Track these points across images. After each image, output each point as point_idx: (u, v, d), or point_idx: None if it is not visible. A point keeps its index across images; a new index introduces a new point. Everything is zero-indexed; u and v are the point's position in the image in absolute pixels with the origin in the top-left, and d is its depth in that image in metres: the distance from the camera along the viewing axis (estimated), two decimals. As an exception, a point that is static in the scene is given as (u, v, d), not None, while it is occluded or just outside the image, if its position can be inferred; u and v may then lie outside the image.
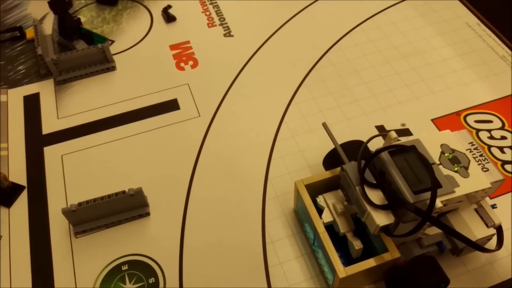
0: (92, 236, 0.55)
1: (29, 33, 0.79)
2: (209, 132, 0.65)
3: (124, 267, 0.53)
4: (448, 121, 0.65)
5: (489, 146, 0.62)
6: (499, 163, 0.60)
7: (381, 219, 0.44)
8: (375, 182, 0.46)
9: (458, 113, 0.66)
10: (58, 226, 0.56)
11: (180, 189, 0.59)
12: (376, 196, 0.45)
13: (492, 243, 0.50)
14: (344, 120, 0.66)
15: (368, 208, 0.44)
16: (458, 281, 0.50)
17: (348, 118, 0.66)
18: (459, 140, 0.49)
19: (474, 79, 0.70)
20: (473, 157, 0.47)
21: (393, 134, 0.48)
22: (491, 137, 0.63)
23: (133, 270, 0.53)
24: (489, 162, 0.48)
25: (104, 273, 0.53)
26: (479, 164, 0.47)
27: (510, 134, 0.63)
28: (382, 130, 0.64)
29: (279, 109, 0.67)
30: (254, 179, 0.60)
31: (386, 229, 0.45)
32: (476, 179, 0.45)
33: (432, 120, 0.65)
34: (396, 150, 0.46)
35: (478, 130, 0.64)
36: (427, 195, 0.42)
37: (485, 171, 0.47)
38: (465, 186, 0.45)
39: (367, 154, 0.48)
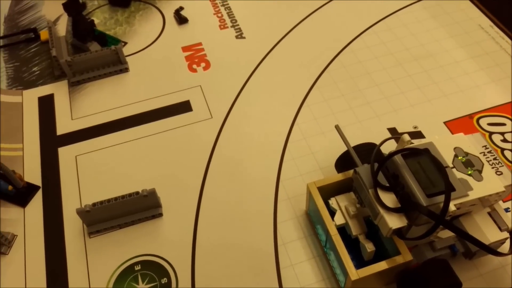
0: (106, 236, 0.56)
1: (44, 34, 0.80)
2: (221, 133, 0.65)
3: (137, 267, 0.53)
4: (460, 124, 0.64)
5: (502, 149, 0.62)
6: (512, 166, 0.60)
7: (394, 222, 0.44)
8: (388, 185, 0.46)
9: (470, 116, 0.66)
10: (72, 226, 0.57)
11: (192, 190, 0.60)
12: (389, 199, 0.45)
13: (506, 247, 0.50)
14: (356, 122, 0.66)
15: (381, 211, 0.44)
16: (470, 284, 0.50)
17: (360, 120, 0.66)
18: (472, 143, 0.49)
19: (487, 81, 0.70)
20: (486, 160, 0.47)
21: (406, 137, 0.48)
22: (504, 140, 0.63)
23: (145, 270, 0.53)
24: (503, 166, 0.47)
25: (117, 273, 0.53)
26: (493, 168, 0.47)
27: (523, 137, 0.63)
28: (394, 133, 0.64)
29: (291, 111, 0.68)
30: (266, 181, 0.60)
31: (398, 232, 0.45)
32: (489, 183, 0.45)
33: (444, 122, 0.65)
34: (409, 153, 0.46)
35: (491, 133, 0.64)
36: (441, 198, 0.42)
37: (499, 174, 0.47)
38: (478, 189, 0.45)
39: (380, 157, 0.48)
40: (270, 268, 0.53)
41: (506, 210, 0.49)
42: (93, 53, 0.71)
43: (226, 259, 0.54)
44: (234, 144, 0.64)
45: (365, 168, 0.48)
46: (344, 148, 0.55)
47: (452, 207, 0.42)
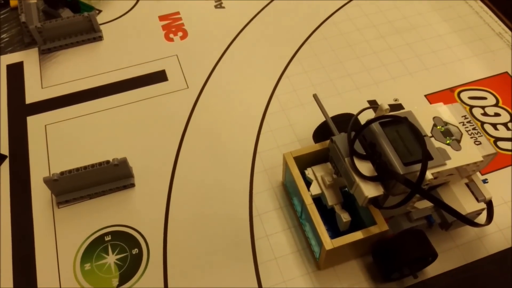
0: (75, 207, 0.54)
1: (13, 0, 0.76)
2: (197, 104, 0.63)
3: (107, 238, 0.52)
4: (441, 97, 0.63)
5: (483, 123, 0.61)
6: (492, 139, 0.59)
7: (370, 190, 0.43)
8: (365, 153, 0.44)
9: (452, 89, 0.65)
10: (40, 196, 0.55)
11: (166, 161, 0.58)
12: (365, 167, 0.44)
13: (482, 218, 0.49)
14: (336, 94, 0.64)
15: (357, 179, 0.43)
16: (446, 256, 0.50)
17: (340, 92, 0.65)
18: (452, 113, 0.48)
19: (469, 55, 0.69)
20: (465, 130, 0.46)
21: (385, 106, 0.47)
22: (485, 114, 0.62)
23: (116, 241, 0.52)
24: (481, 136, 0.46)
25: (86, 243, 0.51)
26: (471, 138, 0.46)
27: (504, 111, 0.62)
28: (374, 105, 0.63)
29: (270, 82, 0.66)
30: (243, 152, 0.59)
31: (375, 201, 0.44)
32: (468, 152, 0.44)
33: (425, 95, 0.64)
34: (388, 122, 0.45)
35: (472, 107, 0.63)
36: (418, 167, 0.41)
37: (477, 144, 0.46)
38: (456, 159, 0.44)
39: (358, 126, 0.47)
40: (244, 239, 0.51)
41: (484, 181, 0.48)
42: (64, 20, 0.68)
43: (200, 230, 0.52)
44: (211, 115, 0.62)
45: (342, 136, 0.46)
46: (322, 120, 0.54)
47: (429, 175, 0.41)
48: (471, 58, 0.69)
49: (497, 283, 0.48)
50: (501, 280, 0.48)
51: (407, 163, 0.42)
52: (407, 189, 0.41)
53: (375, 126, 0.44)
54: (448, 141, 0.45)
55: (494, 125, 0.61)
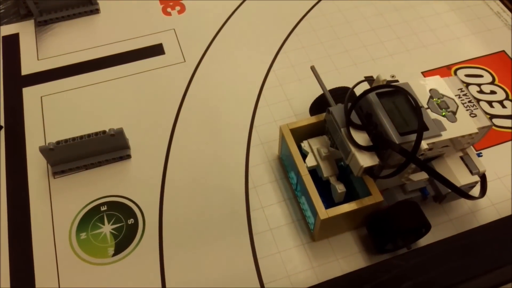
0: (71, 177, 0.54)
1: (9, -28, 0.75)
2: (194, 78, 0.63)
3: (103, 208, 0.52)
4: (438, 74, 0.63)
5: (479, 100, 0.61)
6: (488, 117, 0.59)
7: (365, 160, 0.43)
8: (361, 124, 0.45)
9: (449, 67, 0.65)
10: (36, 166, 0.55)
11: (162, 133, 0.58)
12: (361, 138, 0.44)
13: (476, 192, 0.50)
14: (334, 70, 0.64)
15: (353, 149, 0.43)
16: (439, 229, 0.50)
17: (337, 68, 0.64)
18: (448, 86, 0.48)
19: (467, 34, 0.69)
20: (461, 102, 0.47)
21: (382, 77, 0.47)
22: (481, 91, 0.62)
23: (112, 211, 0.52)
24: (477, 108, 0.47)
25: (82, 213, 0.52)
26: (467, 110, 0.46)
27: (499, 89, 0.62)
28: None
29: (268, 57, 0.66)
30: (239, 126, 0.59)
31: (370, 171, 0.44)
32: (463, 124, 0.45)
33: (422, 72, 0.64)
34: (384, 93, 0.45)
35: (468, 84, 0.63)
36: (414, 137, 0.41)
37: (473, 116, 0.46)
38: (452, 130, 0.44)
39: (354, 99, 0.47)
40: (240, 210, 0.52)
41: (478, 154, 0.49)
42: (61, -9, 0.67)
43: (195, 201, 0.52)
44: (207, 89, 0.62)
45: (339, 107, 0.46)
46: (319, 94, 0.54)
47: (424, 145, 0.41)
48: (468, 36, 0.69)
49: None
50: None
51: (403, 133, 0.42)
52: (402, 160, 0.41)
53: (372, 96, 0.45)
54: (444, 113, 0.45)
55: (490, 103, 0.61)
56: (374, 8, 0.72)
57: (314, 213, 0.46)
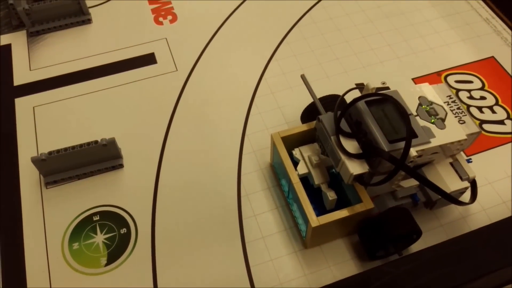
0: (64, 187, 0.54)
1: (1, -17, 0.76)
2: (186, 86, 0.63)
3: (96, 218, 0.52)
4: (428, 81, 0.63)
5: (469, 106, 0.62)
6: (478, 122, 0.60)
7: (355, 168, 0.43)
8: (350, 132, 0.45)
9: (439, 73, 0.65)
10: (28, 177, 0.55)
11: (155, 143, 0.58)
12: (351, 146, 0.44)
13: (466, 198, 0.50)
14: (325, 77, 0.65)
15: (343, 157, 0.44)
16: (430, 235, 0.50)
17: (328, 75, 0.65)
18: (437, 93, 0.48)
19: (456, 40, 0.70)
20: (450, 109, 0.47)
21: (371, 85, 0.47)
22: (471, 97, 0.63)
23: (104, 221, 0.52)
24: (466, 115, 0.47)
25: (74, 223, 0.52)
26: (456, 117, 0.47)
27: (489, 94, 0.63)
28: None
29: (259, 65, 0.66)
30: (231, 134, 0.59)
31: (360, 179, 0.44)
32: (452, 131, 0.45)
33: (412, 79, 0.65)
34: (373, 101, 0.45)
35: (458, 90, 0.63)
36: (403, 144, 0.42)
37: (461, 123, 0.46)
38: (441, 137, 0.44)
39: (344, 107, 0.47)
40: (232, 219, 0.52)
41: (468, 161, 0.49)
42: (53, 2, 0.68)
43: (188, 210, 0.53)
44: (199, 97, 0.62)
45: (329, 115, 0.47)
46: (311, 101, 0.54)
47: (413, 152, 0.41)
48: (458, 43, 0.69)
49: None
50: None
51: (392, 140, 0.43)
52: (392, 167, 0.42)
53: (361, 105, 0.45)
54: (433, 120, 0.46)
55: (480, 108, 0.61)
56: (365, 16, 0.72)
57: (306, 220, 0.46)
